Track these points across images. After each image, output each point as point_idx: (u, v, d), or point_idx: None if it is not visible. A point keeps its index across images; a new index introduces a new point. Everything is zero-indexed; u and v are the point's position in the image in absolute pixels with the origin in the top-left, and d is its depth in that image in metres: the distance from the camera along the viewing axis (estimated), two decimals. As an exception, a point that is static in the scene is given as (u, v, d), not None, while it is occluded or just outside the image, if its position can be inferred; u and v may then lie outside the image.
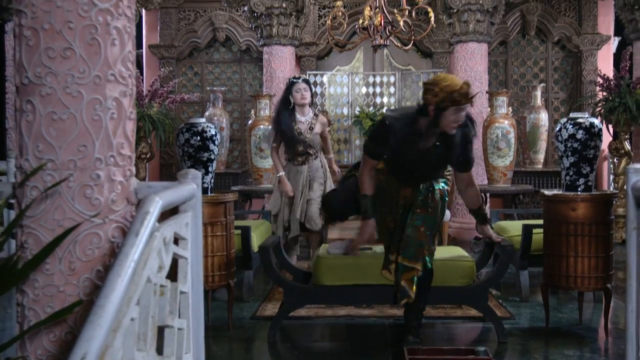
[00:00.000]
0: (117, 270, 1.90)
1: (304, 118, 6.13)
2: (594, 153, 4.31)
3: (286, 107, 6.09)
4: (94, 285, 2.21)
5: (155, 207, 2.10)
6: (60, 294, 2.20)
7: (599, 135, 4.31)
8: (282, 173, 6.13)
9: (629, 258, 2.63)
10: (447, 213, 7.20)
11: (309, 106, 6.23)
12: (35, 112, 2.20)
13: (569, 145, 4.31)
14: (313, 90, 6.46)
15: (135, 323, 1.99)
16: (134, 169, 2.40)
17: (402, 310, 4.71)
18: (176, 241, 2.43)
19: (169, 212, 2.55)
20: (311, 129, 6.14)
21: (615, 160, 8.70)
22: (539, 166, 9.63)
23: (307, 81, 6.23)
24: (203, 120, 4.56)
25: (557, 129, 4.43)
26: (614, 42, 10.51)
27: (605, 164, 9.98)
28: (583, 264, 4.20)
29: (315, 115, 6.24)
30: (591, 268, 4.20)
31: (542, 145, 9.60)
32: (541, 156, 9.66)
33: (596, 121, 4.36)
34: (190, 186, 2.50)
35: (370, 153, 4.00)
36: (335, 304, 4.82)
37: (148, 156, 7.97)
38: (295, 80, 6.18)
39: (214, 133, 4.51)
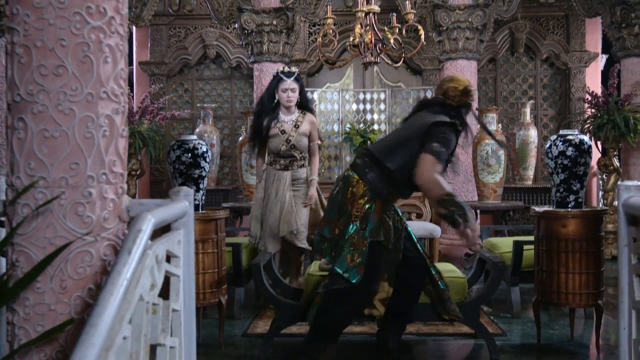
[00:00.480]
0: (110, 288, 1.89)
1: (288, 117, 5.48)
2: (584, 170, 4.33)
3: (270, 103, 5.44)
4: (85, 304, 2.20)
5: (147, 225, 2.10)
6: (51, 313, 2.18)
7: (588, 152, 4.33)
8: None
9: (620, 275, 2.64)
10: (438, 229, 7.21)
11: (296, 107, 5.53)
12: (27, 130, 2.20)
13: (559, 162, 4.33)
14: (304, 88, 5.68)
15: (128, 342, 1.97)
16: (125, 187, 2.39)
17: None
18: (168, 259, 2.42)
19: (161, 230, 2.54)
20: (297, 127, 5.48)
21: (604, 176, 8.76)
22: (529, 182, 9.69)
23: (297, 79, 5.48)
24: (194, 137, 4.56)
25: (547, 146, 4.45)
26: (602, 60, 10.61)
27: (595, 180, 10.03)
28: (574, 280, 4.20)
29: (303, 113, 5.54)
30: (582, 284, 4.20)
31: (532, 161, 9.66)
32: (531, 172, 9.72)
33: (586, 138, 4.39)
34: (182, 204, 2.50)
35: (444, 160, 3.68)
36: (326, 321, 4.80)
37: (138, 173, 7.96)
38: (282, 77, 5.43)
39: (205, 150, 4.51)
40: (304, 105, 5.57)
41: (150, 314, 2.17)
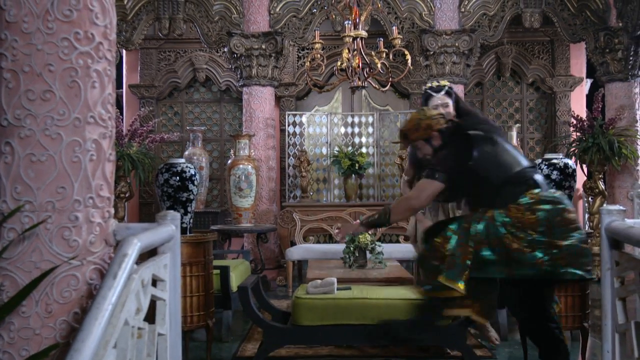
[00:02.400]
0: (95, 313, 1.89)
1: None
2: (569, 193, 4.37)
3: None
4: (70, 328, 2.20)
5: (133, 250, 2.11)
6: (36, 337, 2.18)
7: (572, 175, 4.38)
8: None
9: (603, 298, 2.66)
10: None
11: None
12: (14, 154, 2.21)
13: (544, 185, 4.37)
14: (461, 101, 4.55)
15: (113, 366, 1.97)
16: (112, 211, 2.40)
17: (384, 351, 4.70)
18: (154, 283, 2.42)
19: (148, 253, 2.55)
20: None
21: (589, 199, 8.81)
22: (516, 205, 9.73)
23: (449, 92, 4.50)
24: (182, 160, 4.57)
25: (533, 169, 4.49)
26: (587, 84, 10.73)
27: (580, 203, 10.10)
28: (560, 303, 4.22)
29: None
30: (568, 307, 4.23)
31: (519, 184, 9.71)
32: (518, 195, 9.77)
33: (570, 162, 4.44)
34: (169, 227, 2.51)
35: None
36: (314, 344, 4.79)
37: (127, 195, 7.95)
38: (430, 93, 4.56)
39: (193, 173, 4.52)
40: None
41: (136, 339, 2.17)
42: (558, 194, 3.40)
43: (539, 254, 3.21)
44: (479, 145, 3.44)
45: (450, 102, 4.43)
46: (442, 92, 4.48)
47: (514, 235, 3.25)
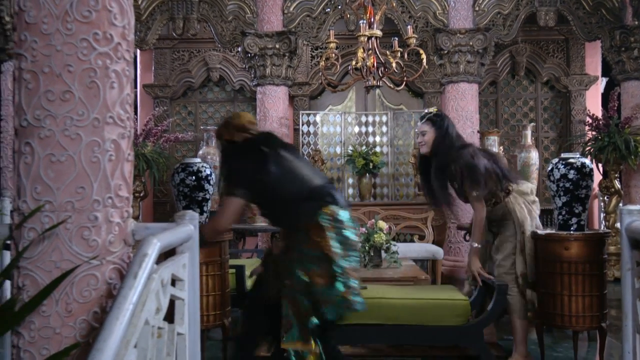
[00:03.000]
0: (116, 313, 1.90)
1: None
2: (586, 193, 4.34)
3: None
4: (90, 327, 2.20)
5: (153, 250, 2.11)
6: (56, 336, 2.19)
7: (590, 175, 4.35)
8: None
9: (624, 299, 2.65)
10: (440, 251, 7.21)
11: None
12: (33, 154, 2.22)
13: (561, 185, 4.34)
14: (447, 130, 4.54)
15: (133, 366, 1.98)
16: (131, 211, 2.41)
17: (398, 350, 4.70)
18: (173, 282, 2.43)
19: (165, 253, 2.55)
20: None
21: (605, 198, 8.77)
22: (531, 204, 9.69)
23: (431, 120, 4.57)
24: (198, 160, 4.58)
25: (549, 169, 4.47)
26: (602, 83, 10.67)
27: (596, 202, 10.04)
28: (577, 303, 4.21)
29: None
30: (585, 307, 4.20)
31: (533, 183, 9.66)
32: (533, 194, 9.72)
33: (587, 161, 4.41)
34: (187, 227, 2.51)
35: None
36: (329, 344, 4.79)
37: (142, 194, 7.98)
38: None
39: (209, 173, 4.53)
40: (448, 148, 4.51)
41: (156, 338, 2.18)
42: (347, 215, 3.33)
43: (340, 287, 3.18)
44: (273, 160, 3.38)
45: (428, 129, 4.51)
46: (423, 120, 4.58)
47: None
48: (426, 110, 4.73)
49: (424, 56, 6.67)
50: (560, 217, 4.40)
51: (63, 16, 2.23)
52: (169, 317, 2.37)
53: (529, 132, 9.61)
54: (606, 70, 9.96)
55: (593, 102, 10.40)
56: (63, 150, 2.21)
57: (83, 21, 2.24)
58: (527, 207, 4.59)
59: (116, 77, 2.31)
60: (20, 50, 2.25)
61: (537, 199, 4.73)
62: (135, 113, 9.94)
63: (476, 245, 4.41)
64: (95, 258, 2.22)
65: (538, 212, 4.68)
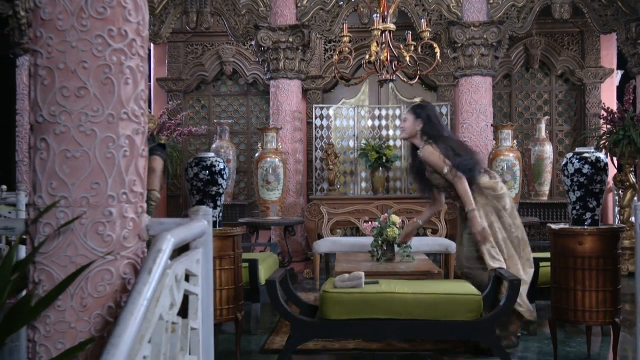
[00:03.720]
0: (130, 308, 1.91)
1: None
2: (600, 187, 4.32)
3: None
4: (105, 322, 2.22)
5: (167, 245, 2.12)
6: (71, 330, 2.21)
7: (604, 169, 4.33)
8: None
9: (638, 294, 2.64)
10: (453, 245, 7.20)
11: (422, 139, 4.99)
12: (49, 150, 2.23)
13: (575, 179, 4.33)
14: (430, 118, 4.98)
15: (147, 360, 1.99)
16: (145, 206, 2.43)
17: (410, 344, 4.71)
18: (187, 277, 2.44)
19: (179, 249, 2.56)
20: None
21: (620, 192, 8.70)
22: (544, 198, 9.64)
23: (415, 111, 5.02)
24: (212, 154, 4.60)
25: (563, 163, 4.45)
26: (617, 75, 10.58)
27: (610, 196, 9.98)
28: (591, 297, 4.19)
29: (426, 144, 4.97)
30: (599, 302, 4.19)
31: (547, 177, 9.62)
32: (546, 188, 9.67)
33: (602, 155, 4.38)
34: (201, 223, 2.52)
35: None
36: (342, 338, 4.81)
37: (155, 188, 8.01)
38: None
39: (222, 167, 4.54)
40: (430, 134, 4.97)
41: (170, 333, 2.19)
42: None
43: None
44: None
45: (408, 117, 5.01)
46: (407, 109, 5.15)
47: None
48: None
49: (437, 50, 6.64)
50: (574, 211, 4.39)
51: (78, 12, 2.24)
52: (183, 312, 2.39)
53: (543, 126, 9.58)
54: (622, 63, 9.87)
55: (608, 95, 10.32)
56: (78, 146, 2.23)
57: (98, 17, 2.25)
58: (491, 202, 4.88)
59: (130, 73, 2.32)
60: (35, 46, 2.27)
61: (503, 191, 4.99)
62: (149, 107, 9.98)
63: (473, 207, 4.75)
64: (110, 253, 2.24)
65: (508, 204, 4.98)
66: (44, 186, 2.25)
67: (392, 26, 6.59)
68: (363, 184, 9.77)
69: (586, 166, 4.29)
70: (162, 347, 2.10)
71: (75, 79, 2.24)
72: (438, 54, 6.71)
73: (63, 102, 2.23)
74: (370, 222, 5.90)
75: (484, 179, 4.92)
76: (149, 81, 10.70)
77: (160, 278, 2.08)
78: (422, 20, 6.74)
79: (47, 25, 2.25)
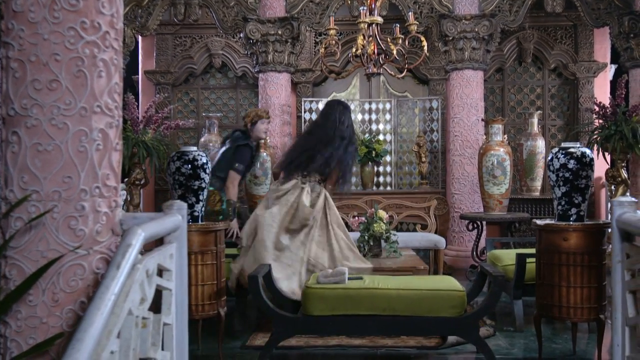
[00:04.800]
0: (97, 303, 1.90)
1: None
2: (586, 183, 4.30)
3: None
4: (77, 317, 2.21)
5: (137, 240, 2.10)
6: (43, 326, 2.19)
7: (590, 165, 4.30)
8: None
9: (614, 292, 2.63)
10: (442, 240, 7.18)
11: None
12: (20, 144, 2.21)
13: (560, 175, 4.30)
14: None
15: (115, 356, 1.98)
16: (119, 200, 2.41)
17: (394, 340, 4.70)
18: (160, 273, 2.42)
19: (156, 242, 2.54)
20: None
21: (612, 187, 8.66)
22: (536, 193, 9.61)
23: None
24: (194, 148, 4.56)
25: (549, 158, 4.43)
26: (611, 70, 10.54)
27: (603, 191, 9.96)
28: (576, 294, 4.17)
29: None
30: (584, 298, 4.17)
31: (539, 172, 9.59)
32: (538, 183, 9.64)
33: (587, 151, 4.36)
34: (175, 217, 2.50)
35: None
36: (325, 334, 4.78)
37: (142, 182, 7.92)
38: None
39: (205, 161, 4.50)
40: None
41: (140, 328, 2.17)
42: None
43: None
44: None
45: None
46: None
47: None
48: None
49: (425, 43, 6.61)
50: (560, 207, 4.37)
51: (50, 4, 2.23)
52: (156, 307, 2.37)
53: (535, 120, 9.54)
54: (615, 57, 9.82)
55: (601, 89, 10.27)
56: (50, 140, 2.21)
57: (70, 9, 2.23)
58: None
59: (104, 66, 2.30)
60: (7, 38, 2.25)
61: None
62: (137, 99, 9.88)
63: None
64: (82, 248, 2.22)
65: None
66: (15, 180, 2.23)
67: (379, 19, 6.55)
68: (352, 179, 9.73)
69: (572, 161, 4.27)
70: (132, 342, 2.08)
71: (47, 71, 2.22)
72: (425, 48, 6.68)
73: (35, 95, 2.21)
74: (357, 218, 5.87)
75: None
76: (137, 74, 10.63)
77: (130, 273, 2.06)
78: (410, 12, 6.72)
79: (19, 18, 2.23)
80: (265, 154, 8.22)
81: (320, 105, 9.73)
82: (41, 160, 2.21)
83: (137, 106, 8.49)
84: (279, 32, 8.58)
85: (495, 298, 4.14)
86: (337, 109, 5.59)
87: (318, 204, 5.07)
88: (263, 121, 6.49)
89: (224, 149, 6.44)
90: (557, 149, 4.42)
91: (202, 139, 9.84)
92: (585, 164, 4.28)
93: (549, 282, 4.25)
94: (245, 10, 8.75)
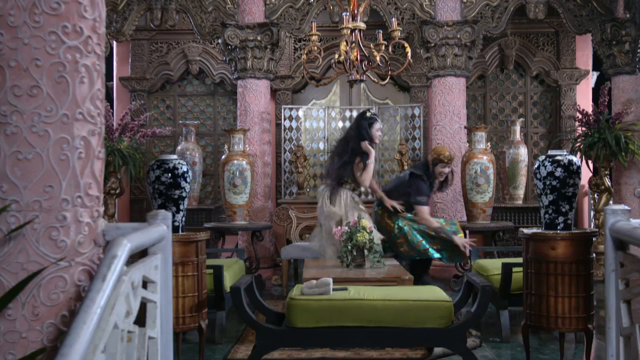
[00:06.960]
0: (83, 317, 1.83)
1: None
2: (573, 191, 4.27)
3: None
4: (58, 331, 2.14)
5: (123, 251, 2.03)
6: (22, 341, 2.12)
7: (577, 172, 4.28)
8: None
9: (607, 301, 2.58)
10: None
11: None
12: (-1, 152, 2.13)
13: (547, 183, 4.28)
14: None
15: (101, 373, 1.89)
16: (102, 210, 2.33)
17: (379, 352, 4.63)
18: (145, 284, 2.34)
19: (139, 254, 2.46)
20: None
21: (595, 196, 8.66)
22: (519, 202, 9.59)
23: None
24: (174, 156, 4.47)
25: (536, 166, 4.40)
26: (593, 77, 10.58)
27: (586, 199, 9.98)
28: (563, 304, 4.13)
29: None
30: (572, 308, 4.13)
31: (522, 180, 9.59)
32: (521, 192, 9.63)
33: (574, 159, 4.33)
34: (160, 228, 2.43)
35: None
36: (309, 347, 4.70)
37: (118, 192, 7.80)
38: (376, 118, 6.49)
39: (185, 170, 4.41)
40: None
41: (125, 342, 2.10)
42: None
43: None
44: None
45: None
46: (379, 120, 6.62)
47: None
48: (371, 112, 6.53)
49: (409, 50, 6.58)
50: (547, 216, 4.34)
51: (31, 8, 2.16)
52: (141, 320, 2.29)
53: (517, 128, 9.55)
54: (598, 65, 9.85)
55: (584, 97, 10.30)
56: (30, 148, 2.14)
57: (52, 13, 2.17)
58: None
59: (86, 71, 2.23)
60: (-15, 43, 2.16)
61: None
62: (112, 107, 9.71)
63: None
64: (64, 259, 2.15)
65: None
66: (-6, 189, 2.14)
67: (362, 25, 6.51)
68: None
69: (559, 169, 4.24)
70: (117, 356, 2.01)
71: (28, 77, 2.15)
72: (409, 54, 6.65)
73: (15, 102, 2.14)
74: (340, 227, 5.79)
75: None
76: (112, 80, 10.49)
77: (115, 285, 1.99)
78: (393, 19, 6.68)
79: (-2, 21, 2.15)
80: (245, 162, 8.13)
81: (301, 113, 9.68)
82: (21, 169, 2.13)
83: (112, 114, 8.37)
84: (258, 38, 8.50)
85: (483, 308, 4.10)
86: (357, 120, 6.52)
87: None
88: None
89: None
90: (543, 157, 4.39)
91: (179, 147, 9.74)
92: (573, 172, 4.26)
93: (537, 291, 4.21)
94: (223, 16, 8.67)
